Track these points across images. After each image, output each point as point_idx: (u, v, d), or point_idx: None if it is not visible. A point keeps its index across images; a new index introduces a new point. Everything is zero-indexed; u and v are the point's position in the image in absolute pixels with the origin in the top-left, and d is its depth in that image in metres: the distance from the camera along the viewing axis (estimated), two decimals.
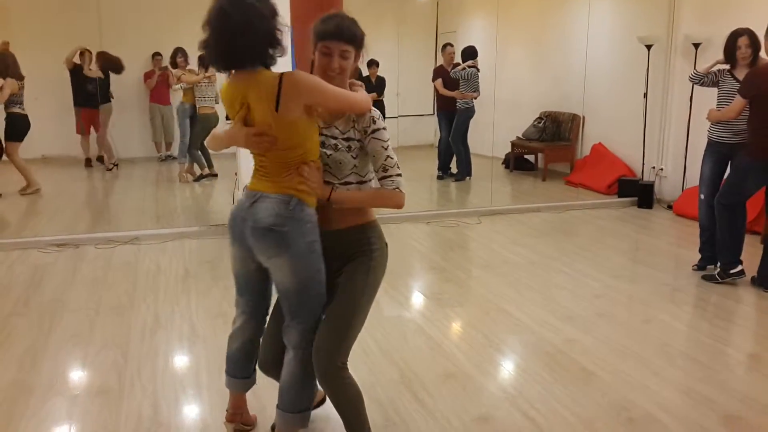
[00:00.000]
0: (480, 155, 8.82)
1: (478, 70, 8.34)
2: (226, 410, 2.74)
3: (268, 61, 2.17)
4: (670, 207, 7.11)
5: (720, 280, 4.64)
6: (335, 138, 2.32)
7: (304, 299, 2.31)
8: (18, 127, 7.31)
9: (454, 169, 8.80)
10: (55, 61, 8.02)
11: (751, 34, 4.67)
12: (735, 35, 4.73)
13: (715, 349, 3.64)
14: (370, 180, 2.40)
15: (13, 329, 3.90)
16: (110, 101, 8.49)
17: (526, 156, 9.50)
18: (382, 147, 2.29)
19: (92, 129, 8.47)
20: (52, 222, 6.58)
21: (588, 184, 8.03)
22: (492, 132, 8.40)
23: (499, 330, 3.89)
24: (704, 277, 4.76)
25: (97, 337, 3.80)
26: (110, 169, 8.59)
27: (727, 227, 4.60)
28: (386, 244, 2.46)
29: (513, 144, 9.28)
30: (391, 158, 2.30)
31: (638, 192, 7.34)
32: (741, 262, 4.60)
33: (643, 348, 3.62)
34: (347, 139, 2.31)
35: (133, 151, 9.07)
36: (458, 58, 8.65)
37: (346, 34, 2.25)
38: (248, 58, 2.13)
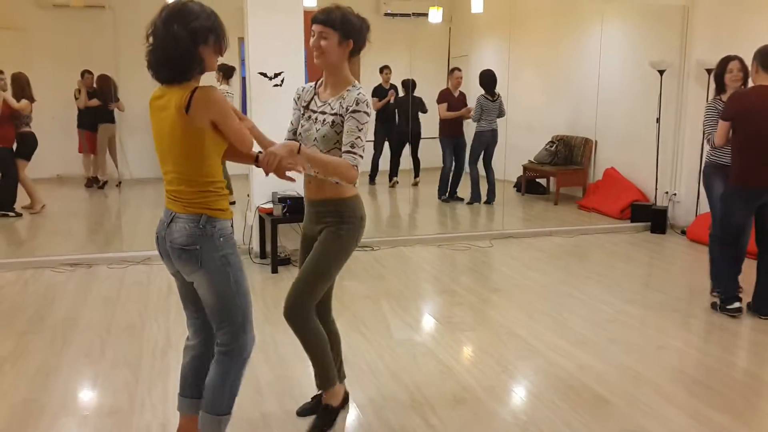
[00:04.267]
0: None
1: (488, 98, 8.35)
2: None
3: (182, 80, 2.30)
4: (683, 232, 7.07)
5: (718, 311, 4.56)
6: (324, 113, 2.67)
7: (225, 312, 2.44)
8: (28, 146, 7.39)
9: (461, 194, 8.78)
10: (71, 82, 8.14)
11: (741, 60, 4.79)
12: (726, 60, 4.87)
13: (729, 376, 3.59)
14: None
15: (25, 348, 3.92)
16: (112, 122, 8.44)
17: (538, 180, 9.49)
18: (357, 127, 2.58)
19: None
20: (65, 241, 6.63)
21: (600, 209, 8.00)
22: (504, 155, 8.41)
23: (511, 355, 3.87)
24: (712, 305, 4.68)
25: (109, 356, 3.80)
26: (101, 187, 8.61)
27: (721, 261, 4.53)
28: (361, 218, 2.76)
29: (525, 167, 9.28)
30: (361, 140, 2.58)
31: (651, 217, 7.31)
32: (740, 299, 4.50)
33: (656, 374, 3.59)
34: (334, 115, 2.64)
35: (146, 172, 9.13)
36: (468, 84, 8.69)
37: (320, 16, 2.59)
38: (165, 76, 2.32)
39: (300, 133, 2.76)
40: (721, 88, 4.91)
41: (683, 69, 7.32)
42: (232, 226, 2.48)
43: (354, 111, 2.58)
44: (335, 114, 2.63)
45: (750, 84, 4.64)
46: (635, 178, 8.01)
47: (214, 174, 2.38)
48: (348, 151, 2.57)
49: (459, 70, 8.78)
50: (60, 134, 7.97)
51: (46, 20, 8.07)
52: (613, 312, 4.62)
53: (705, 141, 4.94)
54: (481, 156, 8.52)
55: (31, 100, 7.36)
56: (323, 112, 2.68)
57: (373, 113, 2.69)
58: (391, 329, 4.24)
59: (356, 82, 2.70)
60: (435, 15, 8.91)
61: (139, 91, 8.74)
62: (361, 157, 2.59)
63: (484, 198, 8.53)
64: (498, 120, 8.42)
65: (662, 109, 7.43)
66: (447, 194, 8.78)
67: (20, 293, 4.98)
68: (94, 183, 8.58)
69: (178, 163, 2.34)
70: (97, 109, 8.22)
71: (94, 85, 8.28)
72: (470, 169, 8.53)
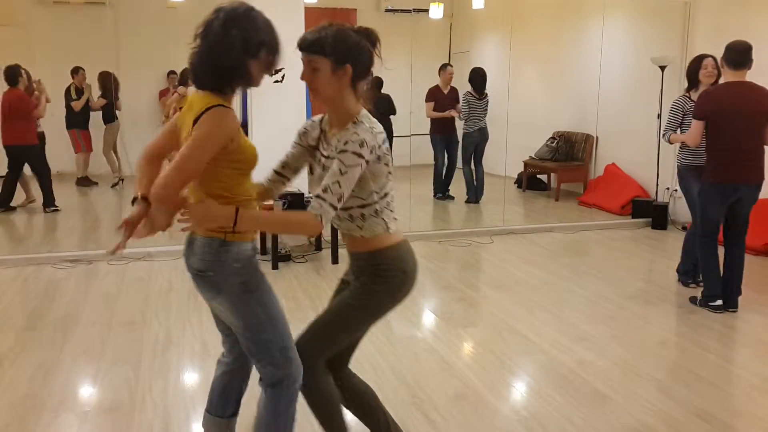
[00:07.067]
0: (493, 175, 8.80)
1: (475, 96, 8.31)
2: None
3: (222, 89, 2.08)
4: (684, 228, 7.04)
5: (698, 305, 4.61)
6: (330, 158, 2.17)
7: (257, 343, 2.20)
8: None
9: (452, 192, 8.75)
10: (71, 79, 8.13)
11: (715, 58, 4.83)
12: (701, 57, 4.95)
13: (730, 372, 3.59)
14: (374, 202, 2.19)
15: (26, 344, 3.92)
16: (116, 120, 8.47)
17: (538, 176, 9.48)
18: (339, 169, 2.05)
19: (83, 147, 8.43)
20: (66, 238, 6.63)
21: (601, 205, 8.00)
22: (505, 151, 8.40)
23: (512, 351, 3.86)
24: (690, 298, 4.73)
25: (109, 353, 3.80)
26: (114, 186, 8.62)
27: (708, 259, 4.54)
28: (404, 271, 2.26)
29: (526, 164, 9.27)
30: (339, 186, 2.05)
31: (652, 213, 7.31)
32: (722, 297, 4.52)
33: (657, 370, 3.58)
34: (328, 158, 2.19)
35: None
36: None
37: (306, 39, 2.12)
38: (205, 83, 2.08)
39: (314, 180, 2.30)
40: (693, 84, 4.96)
41: (684, 65, 7.26)
42: (254, 248, 2.24)
43: (341, 151, 2.06)
44: (329, 158, 2.17)
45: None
46: (636, 174, 8.00)
47: (233, 187, 2.11)
48: (318, 196, 2.06)
49: (451, 66, 8.71)
50: (59, 131, 7.95)
51: (46, 17, 8.06)
52: (613, 308, 4.62)
53: (662, 136, 4.94)
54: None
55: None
56: (329, 157, 2.18)
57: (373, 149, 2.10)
58: (392, 326, 4.23)
59: (362, 113, 2.17)
60: (436, 11, 8.89)
61: (139, 87, 8.83)
62: (332, 206, 2.05)
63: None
64: (490, 117, 8.38)
65: (663, 105, 7.41)
66: (441, 192, 8.74)
67: (20, 290, 4.98)
68: (87, 182, 8.58)
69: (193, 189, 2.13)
70: (103, 107, 8.25)
71: (83, 84, 8.27)
72: (463, 170, 8.48)
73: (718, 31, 6.86)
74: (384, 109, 9.04)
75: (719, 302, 4.50)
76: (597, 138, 8.61)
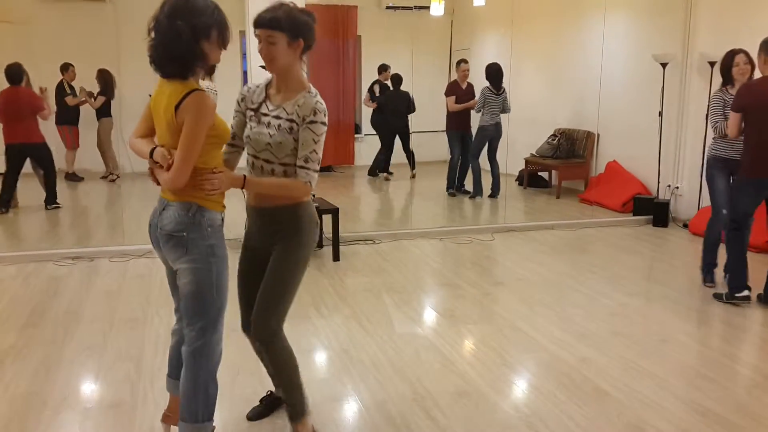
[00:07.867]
0: None
1: (492, 91, 8.32)
2: (164, 411, 2.78)
3: (186, 75, 2.30)
4: (685, 226, 7.06)
5: (725, 301, 4.59)
6: (279, 118, 2.49)
7: (200, 303, 2.41)
8: None
9: (468, 187, 8.78)
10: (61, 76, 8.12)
11: (747, 53, 4.80)
12: (732, 53, 4.87)
13: (731, 369, 3.59)
14: None
15: (28, 341, 3.92)
16: (110, 115, 8.49)
17: (540, 173, 9.48)
18: (313, 139, 2.45)
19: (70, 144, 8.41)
20: (67, 235, 6.63)
21: (602, 202, 7.99)
22: (506, 149, 8.40)
23: (513, 348, 3.87)
24: (714, 295, 4.72)
25: (111, 349, 3.81)
26: (113, 180, 8.63)
27: (734, 249, 4.55)
28: (317, 223, 2.62)
29: (527, 161, 9.26)
30: (316, 153, 2.47)
31: (653, 210, 7.30)
32: (749, 288, 4.53)
33: (658, 367, 3.58)
34: (290, 121, 2.47)
35: (147, 165, 9.10)
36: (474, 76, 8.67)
37: (263, 17, 2.40)
38: (169, 72, 2.31)
39: (248, 136, 2.57)
40: (727, 80, 4.91)
41: (686, 62, 7.29)
42: (223, 219, 2.48)
43: (311, 122, 2.44)
44: (292, 120, 2.47)
45: (756, 75, 4.63)
46: (637, 171, 7.99)
47: (209, 161, 2.36)
48: (302, 166, 2.47)
49: (466, 62, 8.75)
50: (53, 128, 7.94)
51: (47, 13, 8.05)
52: (614, 305, 4.62)
53: (711, 129, 4.93)
54: (485, 150, 8.50)
55: None
56: (278, 117, 2.50)
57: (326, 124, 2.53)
58: (393, 323, 4.24)
59: (311, 86, 2.53)
60: (437, 8, 8.86)
61: (140, 84, 8.76)
62: (316, 171, 2.48)
63: (487, 192, 8.52)
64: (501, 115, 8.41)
65: (665, 102, 7.41)
66: (455, 188, 8.77)
67: (22, 287, 4.99)
68: (76, 177, 8.58)
69: (171, 152, 2.35)
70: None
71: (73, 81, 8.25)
72: (471, 163, 8.52)
73: (720, 27, 6.86)
74: (403, 106, 9.06)
75: (746, 292, 4.50)
76: (598, 135, 8.60)
